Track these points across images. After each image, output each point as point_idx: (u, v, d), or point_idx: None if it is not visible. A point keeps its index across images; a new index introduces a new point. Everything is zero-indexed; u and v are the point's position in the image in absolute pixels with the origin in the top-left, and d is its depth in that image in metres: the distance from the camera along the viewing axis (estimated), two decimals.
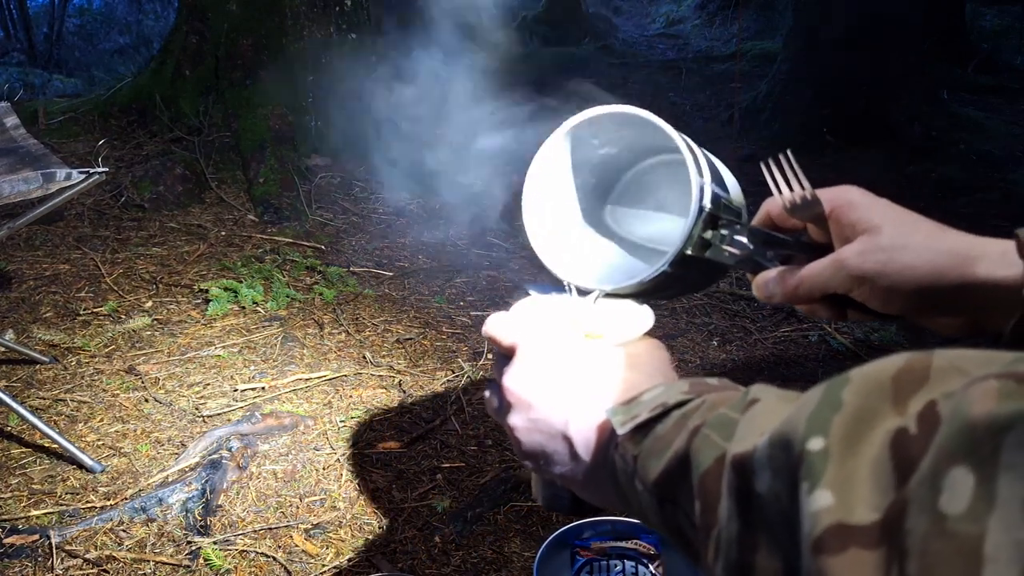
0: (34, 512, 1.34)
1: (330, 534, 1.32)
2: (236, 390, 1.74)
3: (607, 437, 0.46)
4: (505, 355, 0.52)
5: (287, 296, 2.18)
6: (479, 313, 2.18)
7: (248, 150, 3.00)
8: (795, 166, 0.57)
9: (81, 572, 1.22)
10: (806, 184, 0.57)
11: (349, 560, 1.26)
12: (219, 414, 1.65)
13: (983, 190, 3.60)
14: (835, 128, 4.37)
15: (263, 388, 1.75)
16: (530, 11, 9.57)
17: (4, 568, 1.22)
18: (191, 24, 3.26)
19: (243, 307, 2.11)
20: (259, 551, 1.27)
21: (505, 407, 0.51)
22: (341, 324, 2.07)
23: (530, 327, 0.52)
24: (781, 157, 0.58)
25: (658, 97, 5.84)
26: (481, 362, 1.91)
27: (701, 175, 0.55)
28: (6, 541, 1.26)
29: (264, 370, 1.82)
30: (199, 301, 2.13)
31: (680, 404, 0.42)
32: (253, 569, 1.24)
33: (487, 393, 0.55)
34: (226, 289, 2.15)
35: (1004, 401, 0.24)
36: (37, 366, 1.79)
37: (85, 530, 1.29)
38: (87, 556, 1.24)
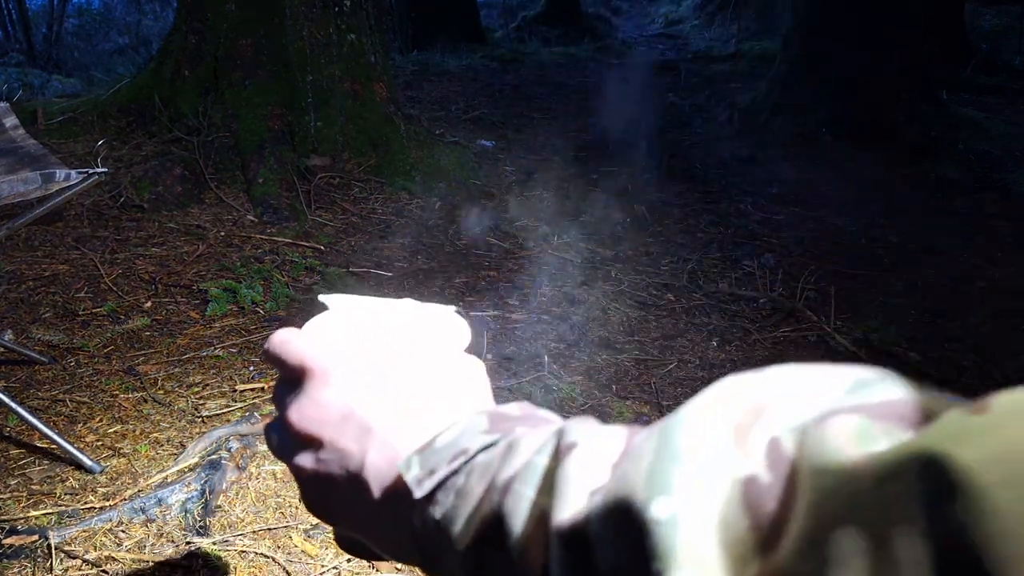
0: (33, 513, 1.34)
1: (329, 534, 1.32)
2: (235, 390, 1.73)
3: (406, 492, 0.38)
4: (291, 381, 0.43)
5: (286, 296, 2.18)
6: (478, 313, 2.18)
7: (247, 150, 2.99)
8: None
9: (80, 573, 1.21)
10: None
11: (349, 560, 1.26)
12: (218, 414, 1.64)
13: (982, 190, 3.60)
14: (835, 128, 4.37)
15: (262, 389, 1.75)
16: (529, 11, 9.56)
17: (3, 569, 1.22)
18: (190, 24, 3.26)
19: (242, 307, 2.11)
20: (258, 552, 1.27)
21: (290, 445, 0.42)
22: None
23: (320, 346, 0.42)
24: None
25: (657, 97, 5.84)
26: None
27: None
28: (5, 542, 1.26)
29: (263, 370, 1.82)
30: (198, 301, 2.13)
31: (485, 447, 0.36)
32: (252, 570, 1.24)
33: (267, 427, 0.45)
34: (225, 289, 2.15)
35: (866, 444, 0.22)
36: (36, 366, 1.79)
37: (84, 531, 1.29)
38: (86, 557, 1.24)
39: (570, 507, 0.29)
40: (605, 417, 1.66)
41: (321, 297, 0.49)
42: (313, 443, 0.41)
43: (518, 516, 0.31)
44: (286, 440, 0.43)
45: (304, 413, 0.41)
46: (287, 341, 0.43)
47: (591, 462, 0.30)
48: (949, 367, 1.91)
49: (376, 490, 0.38)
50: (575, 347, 1.98)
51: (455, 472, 0.36)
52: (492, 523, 0.33)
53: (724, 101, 5.38)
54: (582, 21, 8.96)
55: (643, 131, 4.82)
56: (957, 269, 2.57)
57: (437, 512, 0.35)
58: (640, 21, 10.20)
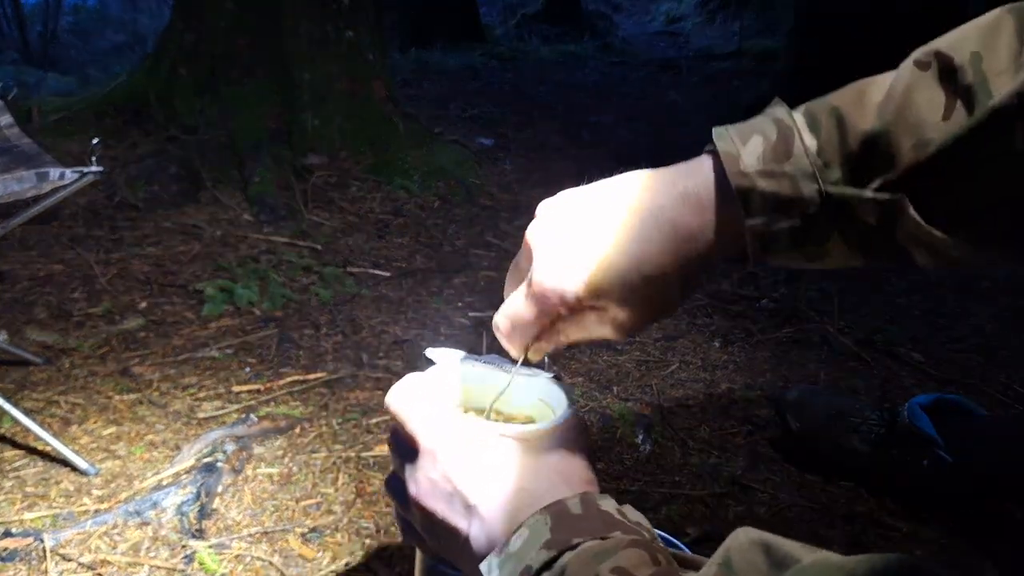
0: (28, 515, 1.33)
1: (327, 538, 1.31)
2: (231, 392, 1.72)
3: None
4: (405, 446, 0.53)
5: (283, 297, 2.17)
6: (477, 314, 2.16)
7: (244, 149, 2.98)
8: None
9: None
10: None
11: (346, 564, 1.25)
12: (214, 416, 1.63)
13: None
14: None
15: (258, 390, 1.74)
16: (529, 8, 9.54)
17: None
18: (187, 22, 3.24)
19: (238, 308, 2.10)
20: (255, 555, 1.26)
21: (412, 514, 0.52)
22: (337, 325, 2.05)
23: (432, 420, 0.51)
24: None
25: (658, 96, 5.83)
26: None
27: None
28: (0, 544, 1.25)
29: (259, 372, 1.81)
30: (194, 302, 2.12)
31: (546, 564, 0.42)
32: (249, 573, 1.23)
33: (387, 482, 0.57)
34: (221, 289, 2.13)
35: None
36: (31, 367, 1.77)
37: (79, 533, 1.28)
38: (81, 560, 1.23)
39: None
40: (606, 419, 1.64)
41: (428, 352, 0.57)
42: (428, 513, 0.51)
43: None
44: (408, 513, 0.53)
45: (420, 489, 0.51)
46: (404, 410, 0.52)
47: None
48: (952, 368, 1.90)
49: (478, 554, 0.48)
50: (575, 347, 1.97)
51: None
52: None
53: (726, 99, 5.36)
54: (582, 19, 8.93)
55: (644, 129, 4.80)
56: (961, 269, 2.56)
57: None
58: (641, 18, 10.18)
